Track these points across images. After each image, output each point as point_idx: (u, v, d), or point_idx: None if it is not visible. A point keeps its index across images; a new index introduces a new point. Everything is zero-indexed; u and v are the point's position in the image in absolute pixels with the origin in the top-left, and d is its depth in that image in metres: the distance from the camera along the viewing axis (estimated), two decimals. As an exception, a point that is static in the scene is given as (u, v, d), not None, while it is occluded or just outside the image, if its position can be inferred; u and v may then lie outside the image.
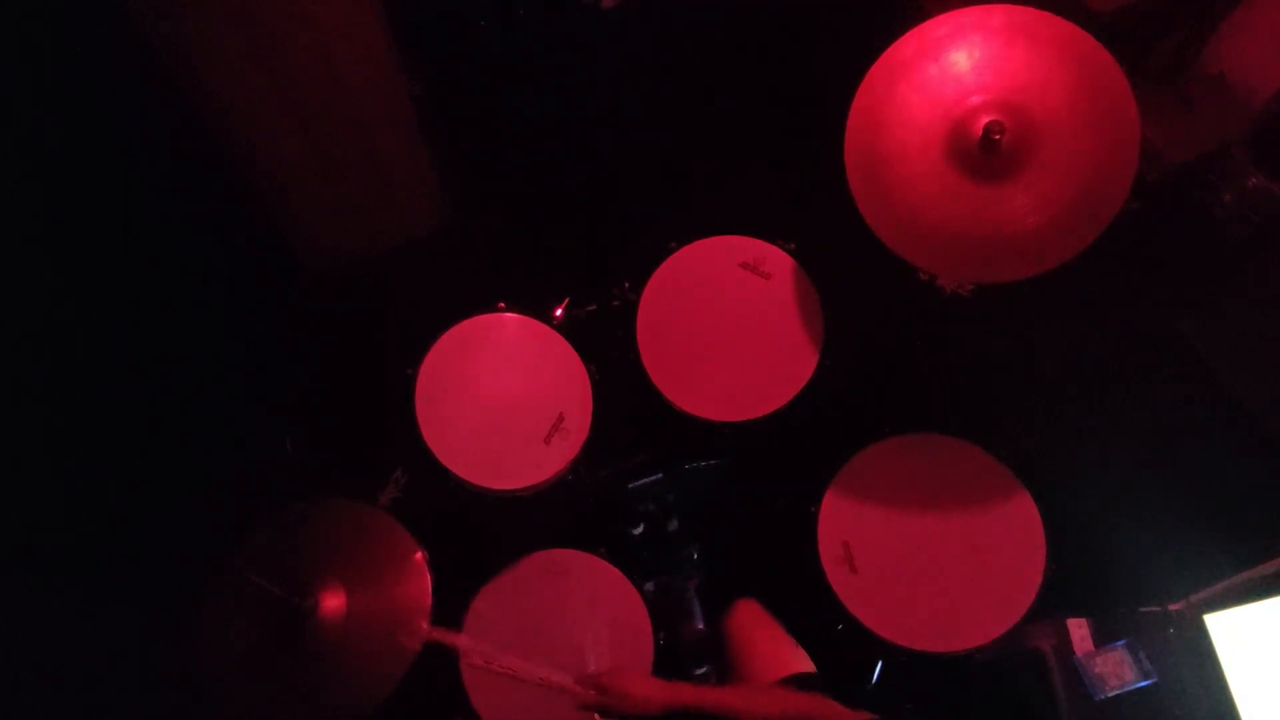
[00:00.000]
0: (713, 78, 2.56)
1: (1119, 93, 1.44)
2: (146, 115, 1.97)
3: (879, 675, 1.88)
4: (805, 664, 1.55)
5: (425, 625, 1.54)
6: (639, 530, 2.13)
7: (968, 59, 1.51)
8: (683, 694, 1.38)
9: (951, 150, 1.53)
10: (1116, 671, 1.71)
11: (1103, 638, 1.75)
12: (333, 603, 1.58)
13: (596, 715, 1.46)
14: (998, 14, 1.50)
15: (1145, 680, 1.69)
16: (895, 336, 2.31)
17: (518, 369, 1.83)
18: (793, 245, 1.95)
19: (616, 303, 2.01)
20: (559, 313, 1.98)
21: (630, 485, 2.12)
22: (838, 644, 1.68)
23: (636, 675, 1.49)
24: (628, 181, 2.64)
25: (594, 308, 2.11)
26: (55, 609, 1.58)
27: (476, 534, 1.91)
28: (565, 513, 1.96)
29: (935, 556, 1.69)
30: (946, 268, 1.76)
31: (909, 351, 2.32)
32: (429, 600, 1.60)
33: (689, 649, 1.89)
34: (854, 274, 1.92)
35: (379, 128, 2.33)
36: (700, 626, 1.94)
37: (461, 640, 1.60)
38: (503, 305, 1.87)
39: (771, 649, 1.59)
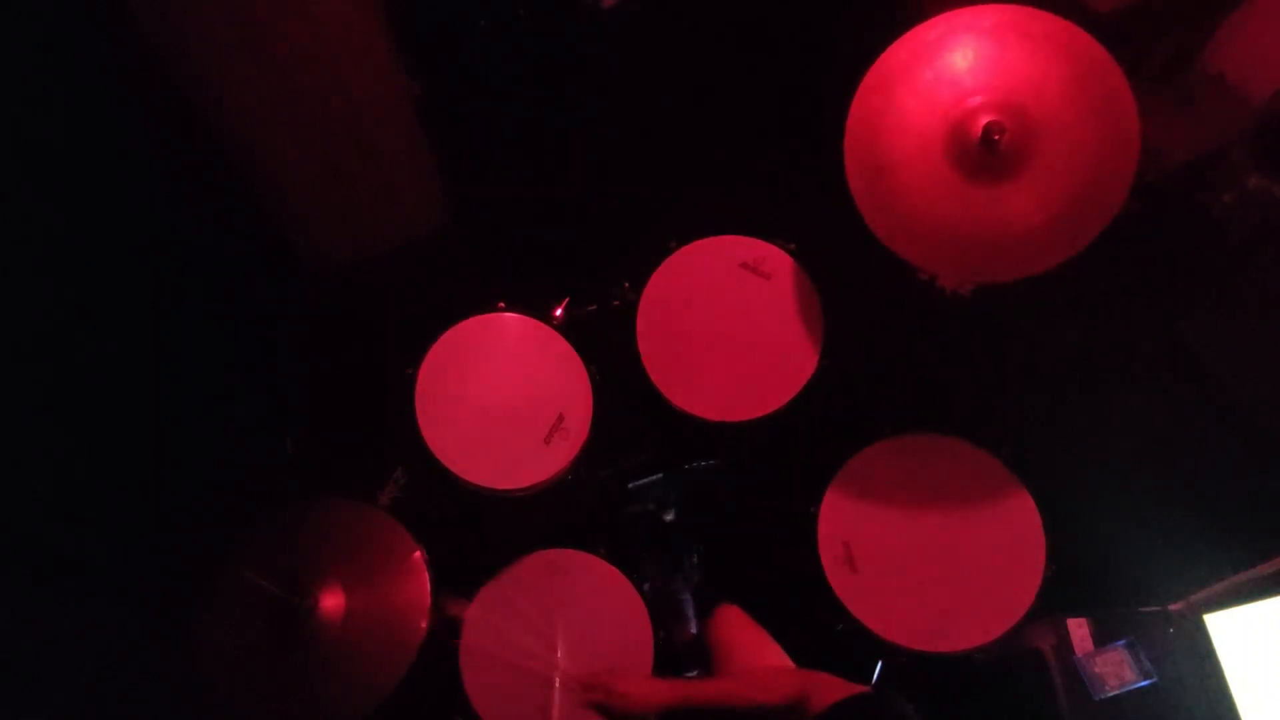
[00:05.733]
0: (713, 77, 2.55)
1: (1116, 87, 1.44)
2: (146, 115, 1.97)
3: (879, 675, 1.88)
4: (786, 666, 1.54)
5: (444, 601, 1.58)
6: (639, 531, 2.13)
7: (963, 60, 1.51)
8: (680, 690, 1.39)
9: (951, 151, 1.53)
10: (1116, 671, 1.71)
11: (1103, 638, 1.75)
12: (332, 602, 1.58)
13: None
14: (990, 14, 1.49)
15: (1145, 680, 1.69)
16: (895, 336, 2.30)
17: (518, 369, 1.83)
18: (793, 245, 1.95)
19: (616, 303, 2.01)
20: (559, 313, 1.98)
21: (630, 485, 2.12)
22: (838, 644, 1.68)
23: (635, 676, 1.49)
24: (628, 181, 2.63)
25: (594, 308, 2.11)
26: (55, 609, 1.58)
27: (476, 534, 1.90)
28: (565, 513, 1.96)
29: (935, 556, 1.69)
30: (947, 268, 1.76)
31: (909, 351, 2.31)
32: (428, 600, 1.60)
33: (680, 653, 1.89)
34: (854, 274, 1.92)
35: (379, 128, 2.33)
36: (693, 631, 1.94)
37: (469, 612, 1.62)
38: (503, 305, 1.86)
39: (753, 654, 1.58)
